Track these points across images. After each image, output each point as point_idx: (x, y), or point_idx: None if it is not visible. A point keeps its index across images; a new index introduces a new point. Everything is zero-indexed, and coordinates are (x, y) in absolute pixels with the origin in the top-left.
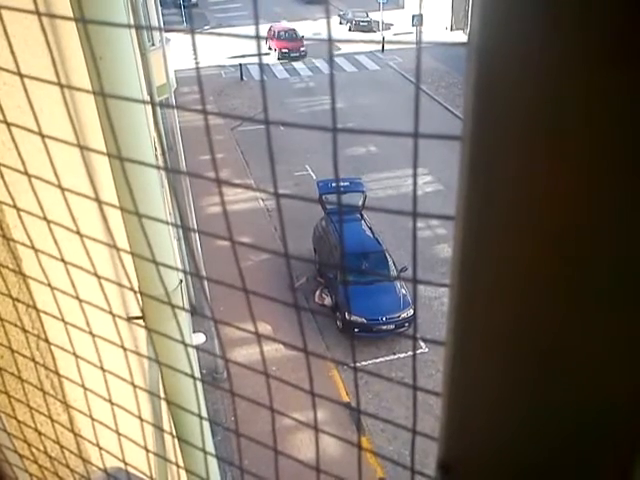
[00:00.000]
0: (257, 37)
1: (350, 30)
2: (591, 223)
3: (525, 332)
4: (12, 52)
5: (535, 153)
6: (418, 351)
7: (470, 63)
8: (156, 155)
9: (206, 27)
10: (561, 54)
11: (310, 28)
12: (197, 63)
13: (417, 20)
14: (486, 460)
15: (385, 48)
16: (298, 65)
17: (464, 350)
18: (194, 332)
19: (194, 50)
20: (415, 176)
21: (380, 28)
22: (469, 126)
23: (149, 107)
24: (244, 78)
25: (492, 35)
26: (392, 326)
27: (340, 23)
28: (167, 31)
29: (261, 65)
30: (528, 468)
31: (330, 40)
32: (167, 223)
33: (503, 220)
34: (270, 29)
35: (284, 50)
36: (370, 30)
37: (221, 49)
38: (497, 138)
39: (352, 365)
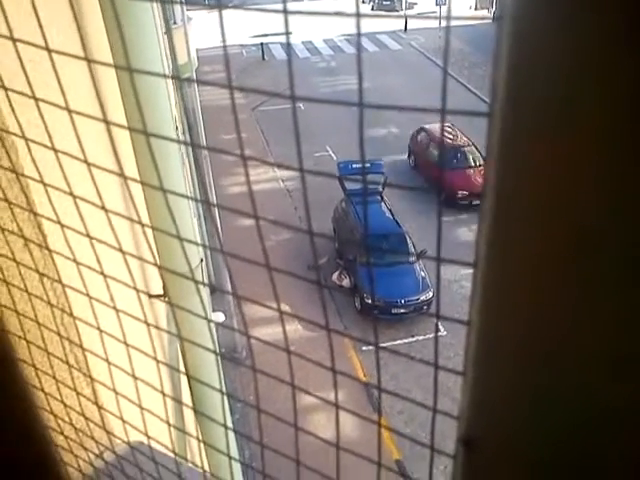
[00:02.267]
0: (285, 12)
1: (373, 9)
2: (626, 207)
3: (550, 311)
4: (40, 26)
5: (572, 128)
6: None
7: (500, 37)
8: (177, 134)
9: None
10: (602, 22)
11: (332, 6)
12: (224, 40)
13: None
14: (507, 436)
15: (408, 28)
16: (319, 44)
17: (488, 328)
18: (213, 311)
19: (221, 26)
20: (442, 154)
21: (403, 7)
22: (500, 101)
23: (171, 87)
24: (265, 57)
25: (525, 3)
26: (411, 308)
27: (363, 2)
28: (190, 7)
29: (289, 43)
30: (548, 445)
31: (358, 15)
32: (190, 198)
33: (534, 198)
34: (418, 137)
35: (462, 194)
36: (393, 9)
37: (242, 28)
38: (531, 113)
39: (373, 343)
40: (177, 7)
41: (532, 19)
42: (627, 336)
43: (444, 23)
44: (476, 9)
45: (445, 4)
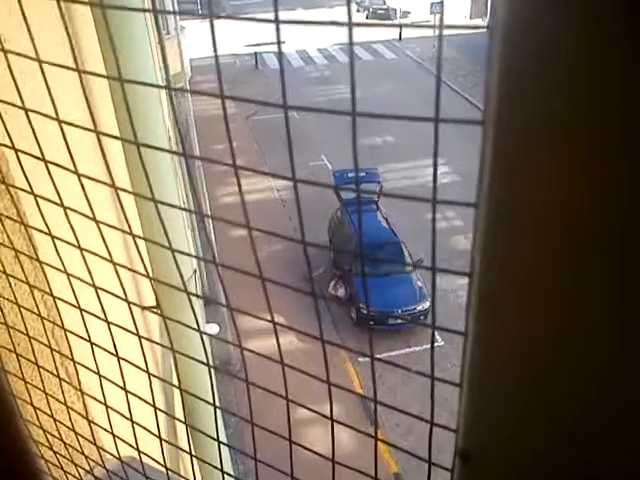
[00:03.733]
0: (276, 21)
1: (367, 18)
2: (622, 212)
3: (547, 321)
4: (31, 38)
5: (565, 133)
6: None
7: (493, 43)
8: (170, 145)
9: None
10: (593, 29)
11: (326, 15)
12: (215, 49)
13: (436, 7)
14: (505, 448)
15: (402, 37)
16: (314, 53)
17: (484, 339)
18: (207, 323)
19: (213, 35)
20: (436, 163)
21: (398, 16)
22: (493, 109)
23: (164, 98)
24: (259, 67)
25: (518, 11)
26: (408, 319)
27: (357, 11)
28: (183, 17)
29: (281, 52)
30: (546, 457)
31: (350, 24)
32: (182, 209)
33: (529, 205)
34: None
35: None
36: (387, 18)
37: (236, 37)
38: (524, 119)
39: (369, 355)
40: (170, 17)
41: (524, 26)
42: (625, 345)
43: (438, 32)
44: (471, 18)
45: (439, 13)
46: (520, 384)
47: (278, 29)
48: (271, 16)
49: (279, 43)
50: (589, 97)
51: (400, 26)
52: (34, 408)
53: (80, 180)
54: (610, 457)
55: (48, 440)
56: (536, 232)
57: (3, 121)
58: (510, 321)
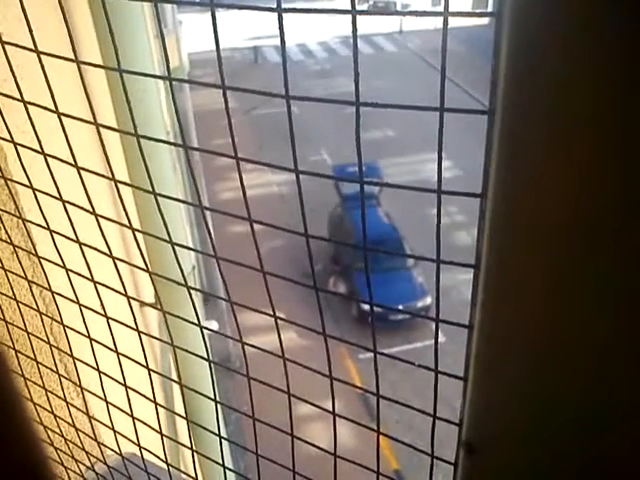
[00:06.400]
0: (279, 9)
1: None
2: (629, 201)
3: (552, 314)
4: (30, 30)
5: (571, 121)
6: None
7: (499, 35)
8: (169, 139)
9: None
10: (596, 15)
11: (326, 6)
12: (216, 39)
13: None
14: (509, 440)
15: (403, 30)
16: (314, 47)
17: (490, 331)
18: (206, 320)
19: (213, 25)
20: (440, 152)
21: (398, 8)
22: (500, 100)
23: (163, 92)
24: (259, 60)
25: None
26: (411, 314)
27: (358, 3)
28: (182, 10)
29: (282, 40)
30: (550, 450)
31: (353, 12)
32: (182, 201)
33: (535, 197)
34: None
35: None
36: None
37: (235, 31)
38: (531, 111)
39: (371, 349)
40: (168, 10)
41: (531, 15)
42: (631, 339)
43: (441, 25)
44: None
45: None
46: (524, 376)
47: (280, 17)
48: (272, 6)
49: (281, 32)
50: (597, 89)
51: (403, 13)
52: (34, 404)
53: (79, 173)
54: (612, 448)
55: (49, 436)
56: (543, 221)
57: (2, 115)
58: (515, 312)
